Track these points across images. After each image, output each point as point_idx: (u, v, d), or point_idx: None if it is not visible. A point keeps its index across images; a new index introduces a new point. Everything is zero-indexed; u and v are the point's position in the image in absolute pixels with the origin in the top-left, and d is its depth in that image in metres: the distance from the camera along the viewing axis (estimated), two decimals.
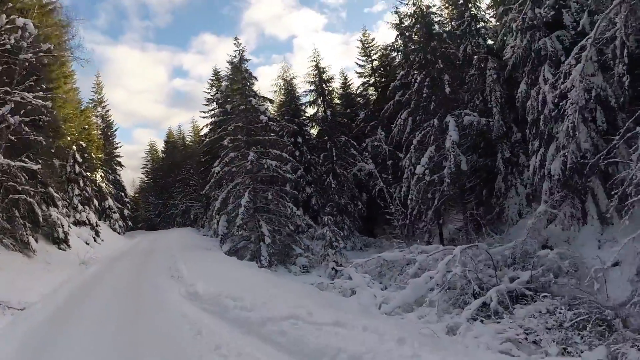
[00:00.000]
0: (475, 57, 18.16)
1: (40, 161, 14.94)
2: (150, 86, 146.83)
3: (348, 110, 28.83)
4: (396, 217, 23.29)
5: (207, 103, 34.37)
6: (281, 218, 19.63)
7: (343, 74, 29.92)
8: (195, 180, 40.06)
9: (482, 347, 7.22)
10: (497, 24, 18.24)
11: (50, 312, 9.14)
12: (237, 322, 7.17)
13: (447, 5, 21.51)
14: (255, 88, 21.26)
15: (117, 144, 39.99)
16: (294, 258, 18.86)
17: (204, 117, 34.13)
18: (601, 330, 7.43)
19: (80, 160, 24.24)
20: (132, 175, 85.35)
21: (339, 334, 5.53)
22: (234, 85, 21.07)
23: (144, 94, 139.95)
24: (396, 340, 4.67)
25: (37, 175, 14.59)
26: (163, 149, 51.80)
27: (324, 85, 26.51)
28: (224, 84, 29.98)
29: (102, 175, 31.61)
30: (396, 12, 21.16)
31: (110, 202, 31.07)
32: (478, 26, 19.04)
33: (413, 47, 19.15)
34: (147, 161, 54.45)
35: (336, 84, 28.85)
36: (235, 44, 20.71)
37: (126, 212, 36.22)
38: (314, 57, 26.62)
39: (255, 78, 20.60)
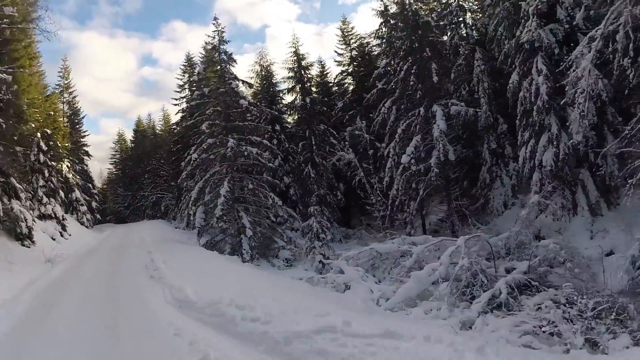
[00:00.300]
0: (462, 47, 17.94)
1: (0, 148, 13.61)
2: (118, 74, 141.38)
3: (325, 99, 28.22)
4: (377, 207, 23.03)
5: (179, 90, 33.05)
6: (262, 209, 18.80)
7: (321, 62, 29.24)
8: (166, 170, 38.53)
9: (501, 341, 6.92)
10: (483, 15, 18.12)
11: (6, 328, 7.04)
12: (251, 340, 5.67)
13: None
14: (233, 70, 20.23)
15: (84, 132, 37.75)
16: (276, 251, 18.08)
17: (175, 105, 32.81)
18: (621, 318, 7.26)
19: (45, 148, 22.50)
20: (99, 167, 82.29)
21: (399, 349, 4.45)
22: (212, 67, 19.79)
23: (112, 82, 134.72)
24: (475, 351, 4.11)
25: None
26: (132, 139, 49.74)
27: (302, 72, 25.73)
28: (201, 66, 28.55)
29: (69, 165, 29.65)
30: None
31: (77, 194, 29.25)
32: (465, 17, 18.83)
33: (399, 34, 18.69)
34: (116, 151, 52.30)
35: (313, 72, 28.15)
36: (214, 24, 19.63)
37: (94, 204, 34.32)
38: (293, 43, 25.82)
39: (235, 61, 19.58)
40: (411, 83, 17.61)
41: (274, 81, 27.30)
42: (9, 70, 12.71)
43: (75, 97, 36.61)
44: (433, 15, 19.32)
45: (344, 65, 27.94)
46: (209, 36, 19.30)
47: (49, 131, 23.77)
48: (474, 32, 17.94)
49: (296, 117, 26.44)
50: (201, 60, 30.25)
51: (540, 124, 13.84)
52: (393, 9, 19.67)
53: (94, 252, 18.44)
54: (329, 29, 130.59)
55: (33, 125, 20.57)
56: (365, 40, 27.12)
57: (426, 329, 5.32)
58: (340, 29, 27.65)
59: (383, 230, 23.08)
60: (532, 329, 7.56)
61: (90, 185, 36.11)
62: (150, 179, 41.84)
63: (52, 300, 9.26)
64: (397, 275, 11.06)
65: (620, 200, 13.97)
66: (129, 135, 52.01)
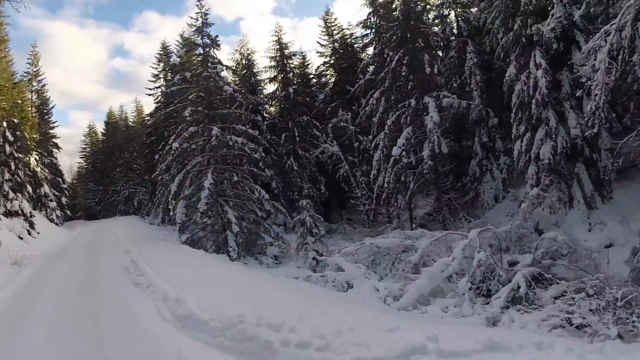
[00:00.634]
0: (455, 40, 17.73)
1: None
2: (89, 65, 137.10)
3: (307, 90, 27.59)
4: (362, 201, 22.68)
5: (154, 79, 31.58)
6: (247, 202, 17.87)
7: (302, 53, 28.56)
8: (139, 163, 36.94)
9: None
10: (477, 9, 17.96)
11: None
12: None
13: None
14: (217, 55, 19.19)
15: (53, 123, 35.37)
16: (264, 247, 17.13)
17: (150, 95, 31.39)
18: None
19: (11, 139, 20.82)
20: (69, 161, 78.81)
21: None
22: (193, 51, 18.61)
23: (82, 73, 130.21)
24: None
25: None
26: (103, 131, 47.61)
27: (285, 62, 25.00)
28: (182, 50, 27.19)
29: (37, 158, 27.78)
30: None
31: (46, 188, 27.45)
32: (457, 9, 18.60)
33: (390, 24, 18.28)
34: (86, 144, 49.84)
35: (295, 63, 27.42)
36: (197, 5, 18.40)
37: (64, 200, 32.28)
38: (276, 32, 25.02)
39: (219, 45, 18.49)
40: (403, 74, 17.24)
41: (255, 70, 26.44)
42: None
43: (44, 85, 34.51)
44: (425, 6, 19.03)
45: (326, 56, 27.43)
46: (191, 18, 18.20)
47: (15, 120, 22.14)
48: (466, 25, 17.69)
49: (278, 107, 25.68)
50: (178, 48, 29.09)
51: (538, 117, 13.78)
52: None
53: (65, 253, 16.90)
54: (304, 23, 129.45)
55: None
56: (349, 32, 26.76)
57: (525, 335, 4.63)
58: (323, 20, 27.08)
59: (369, 225, 22.87)
60: (560, 322, 7.35)
61: (60, 179, 34.05)
62: (122, 172, 40.14)
63: (19, 317, 7.65)
64: (402, 272, 10.62)
65: (613, 193, 14.20)
66: (99, 128, 49.91)
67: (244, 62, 26.49)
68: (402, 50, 17.56)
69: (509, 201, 16.56)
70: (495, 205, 16.81)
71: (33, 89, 32.79)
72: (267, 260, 16.36)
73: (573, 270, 10.02)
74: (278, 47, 24.92)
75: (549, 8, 14.03)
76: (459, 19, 18.06)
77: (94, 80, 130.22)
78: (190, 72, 19.19)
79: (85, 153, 49.80)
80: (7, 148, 20.53)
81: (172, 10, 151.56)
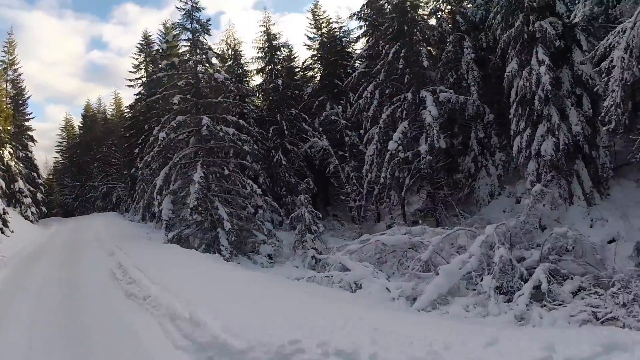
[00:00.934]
0: (452, 34, 17.54)
1: None
2: (66, 58, 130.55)
3: (293, 83, 27.00)
4: (352, 197, 22.28)
5: (134, 70, 30.38)
6: (239, 198, 17.15)
7: (288, 46, 27.92)
8: (117, 158, 35.45)
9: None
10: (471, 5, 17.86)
11: None
12: None
13: None
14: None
15: (28, 114, 33.47)
16: (257, 246, 16.33)
17: (130, 86, 30.18)
18: None
19: None
20: (45, 156, 75.61)
21: None
22: (182, 36, 17.63)
23: (58, 66, 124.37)
24: None
25: None
26: (80, 125, 45.88)
27: (274, 53, 24.34)
28: (170, 35, 25.96)
29: (11, 151, 26.21)
30: None
31: (20, 184, 25.97)
32: (453, 4, 18.42)
33: (388, 15, 17.93)
34: (62, 138, 47.93)
35: (281, 55, 26.76)
36: None
37: (40, 196, 30.67)
38: (264, 22, 24.32)
39: (209, 30, 17.64)
40: (400, 67, 16.90)
41: (241, 61, 25.67)
42: None
43: (20, 74, 32.54)
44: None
45: (313, 49, 26.99)
46: (181, 1, 17.32)
47: None
48: (464, 20, 17.51)
49: (266, 100, 24.97)
50: (160, 38, 28.02)
51: (539, 113, 13.70)
52: None
53: (42, 254, 15.57)
54: (285, 19, 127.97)
55: None
56: (337, 25, 26.40)
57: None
58: (312, 12, 26.59)
59: (359, 221, 22.49)
60: (588, 317, 7.15)
61: (35, 174, 32.31)
62: (100, 167, 38.57)
63: None
64: (411, 270, 10.21)
65: (610, 190, 14.31)
66: (76, 122, 48.06)
67: (230, 52, 25.68)
68: (398, 43, 17.23)
69: (504, 197, 16.50)
70: (491, 202, 16.74)
71: (8, 78, 31.08)
72: (262, 260, 15.57)
73: (582, 266, 9.95)
74: (266, 37, 24.28)
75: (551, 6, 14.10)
76: (456, 14, 17.85)
77: (70, 74, 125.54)
78: (178, 57, 18.13)
79: (61, 147, 47.89)
80: None
81: (152, 2, 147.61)
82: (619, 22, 12.87)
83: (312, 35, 26.57)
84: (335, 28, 26.50)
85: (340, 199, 24.46)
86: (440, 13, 18.46)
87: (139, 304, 7.72)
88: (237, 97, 22.10)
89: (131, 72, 30.96)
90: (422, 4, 18.40)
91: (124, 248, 14.07)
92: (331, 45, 26.25)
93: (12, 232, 19.20)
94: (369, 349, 4.20)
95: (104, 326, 6.59)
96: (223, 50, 25.62)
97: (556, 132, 13.27)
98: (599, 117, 13.85)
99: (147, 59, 30.04)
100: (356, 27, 22.90)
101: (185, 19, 17.20)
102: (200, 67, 17.49)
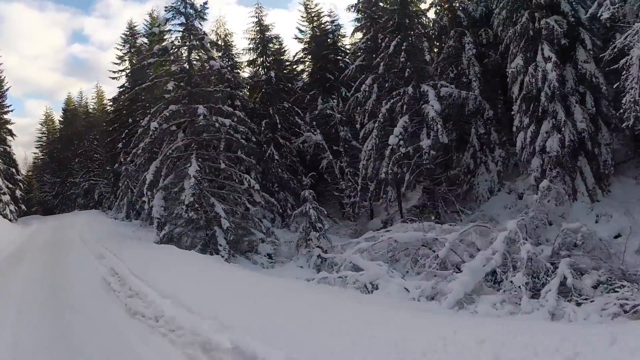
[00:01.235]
0: (453, 29, 17.41)
1: None
2: (46, 51, 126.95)
3: (284, 75, 26.48)
4: (347, 194, 21.98)
5: (118, 62, 29.28)
6: (235, 194, 16.30)
7: (278, 39, 27.38)
8: (100, 153, 34.30)
9: None
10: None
11: None
12: None
13: None
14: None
15: (7, 107, 31.48)
16: (255, 245, 15.43)
17: (113, 78, 29.11)
18: None
19: None
20: (24, 153, 72.78)
21: None
22: (175, 20, 16.71)
23: (38, 60, 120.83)
24: None
25: None
26: (61, 119, 43.93)
27: (266, 44, 23.77)
28: (162, 19, 24.87)
29: None
30: None
31: None
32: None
33: (390, 7, 17.66)
34: (42, 133, 45.95)
35: (273, 47, 26.20)
36: None
37: (19, 193, 29.16)
38: (256, 13, 23.71)
39: (204, 16, 16.79)
40: (402, 60, 16.64)
41: (232, 53, 24.98)
42: None
43: None
44: None
45: (304, 43, 26.51)
46: None
47: None
48: (465, 15, 17.39)
49: (259, 93, 24.35)
50: (146, 27, 27.07)
51: (544, 110, 13.71)
52: None
53: (22, 257, 14.21)
54: (270, 15, 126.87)
55: None
56: (330, 19, 26.01)
57: None
58: (304, 5, 26.07)
59: (353, 218, 22.17)
60: (618, 310, 7.05)
61: (14, 170, 30.64)
62: (81, 163, 37.28)
63: None
64: (428, 268, 9.91)
65: (610, 187, 14.46)
66: (57, 116, 46.05)
67: (219, 43, 24.91)
68: (400, 36, 16.97)
69: (504, 194, 16.50)
70: (491, 198, 16.70)
71: None
72: (261, 260, 14.66)
73: (595, 260, 9.93)
74: (258, 28, 23.66)
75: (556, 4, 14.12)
76: (457, 10, 17.72)
77: (51, 68, 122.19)
78: (171, 43, 17.17)
79: (41, 142, 46.07)
80: None
81: None
82: (622, 23, 13.04)
83: (303, 29, 26.14)
84: (327, 21, 26.14)
85: (329, 196, 24.11)
86: (439, 7, 18.26)
87: (150, 326, 6.04)
88: (230, 88, 21.48)
89: (115, 63, 29.85)
90: None
91: (113, 250, 12.74)
92: (323, 39, 25.86)
93: None
94: None
95: (107, 353, 5.18)
96: (213, 41, 24.85)
97: (562, 129, 13.29)
98: (602, 115, 14.17)
99: (132, 50, 28.98)
100: (351, 20, 22.67)
101: (179, 2, 16.34)
102: (194, 55, 16.75)
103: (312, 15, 26.02)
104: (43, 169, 45.70)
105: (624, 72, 9.42)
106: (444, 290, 8.65)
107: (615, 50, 10.34)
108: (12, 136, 31.30)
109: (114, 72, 29.31)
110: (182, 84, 16.63)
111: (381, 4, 20.50)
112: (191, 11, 16.64)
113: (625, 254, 10.53)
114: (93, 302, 7.64)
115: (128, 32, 30.18)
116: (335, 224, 22.78)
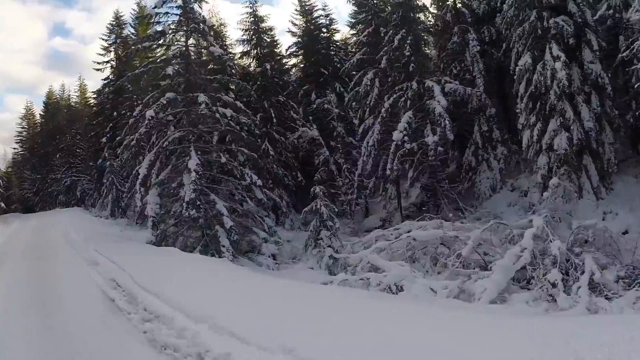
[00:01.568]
0: (457, 25, 17.33)
1: None
2: (26, 45, 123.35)
3: (278, 69, 25.98)
4: (344, 191, 21.68)
5: (103, 52, 28.22)
6: (237, 191, 15.59)
7: (272, 32, 26.81)
8: (82, 148, 33.03)
9: None
10: None
11: None
12: None
13: None
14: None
15: None
16: (258, 245, 14.68)
17: (98, 70, 28.01)
18: None
19: None
20: (2, 149, 69.81)
21: None
22: (171, 3, 15.81)
23: (18, 54, 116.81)
24: None
25: None
26: (42, 113, 42.27)
27: (261, 36, 23.22)
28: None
29: None
30: None
31: None
32: None
33: (393, 1, 17.43)
34: (23, 128, 44.27)
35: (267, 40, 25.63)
36: None
37: None
38: (251, 3, 23.12)
39: None
40: (406, 54, 16.43)
41: (225, 44, 24.31)
42: None
43: None
44: None
45: (298, 37, 26.07)
46: None
47: None
48: (469, 12, 17.35)
49: (254, 85, 23.72)
50: (133, 17, 26.12)
51: (552, 108, 13.77)
52: None
53: (2, 259, 12.85)
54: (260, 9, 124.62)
55: None
56: (325, 13, 25.67)
57: None
58: None
59: (351, 216, 21.87)
60: None
61: None
62: (63, 158, 35.81)
63: None
64: (451, 267, 9.71)
65: (613, 185, 14.67)
66: (38, 111, 44.40)
67: (212, 33, 24.20)
68: (404, 30, 16.77)
69: (507, 191, 16.56)
70: (493, 195, 16.73)
71: None
72: (266, 261, 13.90)
73: (609, 256, 10.02)
74: (253, 19, 23.07)
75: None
76: (463, 7, 17.65)
77: (31, 62, 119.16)
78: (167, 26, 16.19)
79: (21, 137, 44.42)
80: None
81: None
82: (626, 25, 13.25)
83: (297, 22, 25.68)
84: (321, 15, 25.77)
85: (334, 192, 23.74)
86: (444, 3, 18.15)
87: (165, 355, 4.57)
88: (229, 77, 20.82)
89: (100, 54, 28.73)
90: None
91: (106, 253, 11.28)
92: (316, 33, 25.50)
93: None
94: None
95: None
96: (212, 26, 24.16)
97: (570, 127, 13.37)
98: (606, 115, 14.35)
99: (118, 41, 27.93)
100: (350, 13, 22.30)
101: None
102: (192, 40, 15.98)
103: (306, 8, 25.60)
104: (23, 165, 44.26)
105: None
106: (471, 290, 8.50)
107: (634, 51, 10.40)
108: None
109: (99, 63, 28.29)
110: (180, 70, 15.79)
111: None
112: None
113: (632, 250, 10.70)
114: (100, 333, 5.64)
115: (114, 22, 29.09)
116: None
